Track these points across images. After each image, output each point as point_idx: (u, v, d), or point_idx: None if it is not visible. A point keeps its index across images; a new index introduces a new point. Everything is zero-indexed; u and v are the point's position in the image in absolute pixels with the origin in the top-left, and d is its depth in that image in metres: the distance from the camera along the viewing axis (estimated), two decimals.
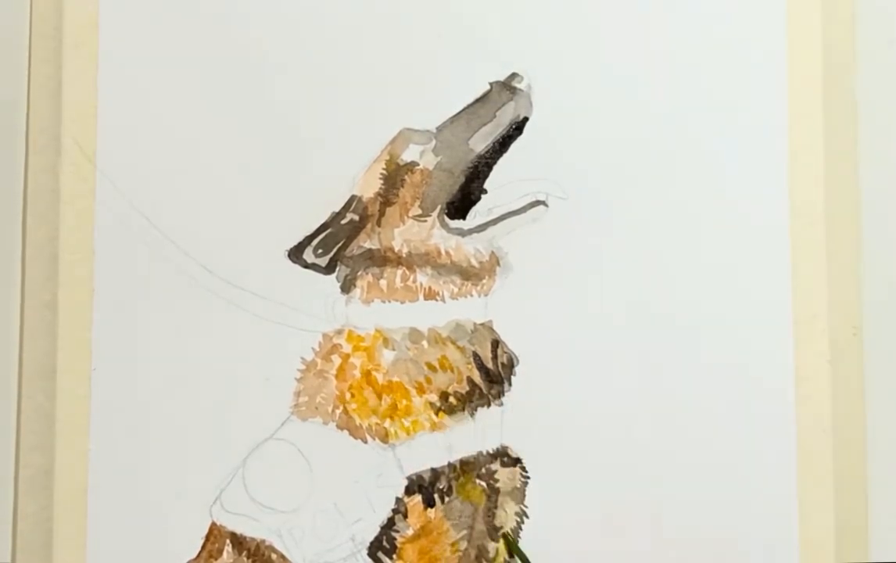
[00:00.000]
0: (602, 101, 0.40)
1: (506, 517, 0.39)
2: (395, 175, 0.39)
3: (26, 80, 0.39)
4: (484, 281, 0.39)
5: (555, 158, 0.39)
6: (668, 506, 0.38)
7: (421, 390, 0.39)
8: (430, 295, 0.39)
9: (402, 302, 0.39)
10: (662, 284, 0.39)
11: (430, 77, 0.39)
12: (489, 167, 0.39)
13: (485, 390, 0.39)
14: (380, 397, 0.39)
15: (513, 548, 0.38)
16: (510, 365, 0.39)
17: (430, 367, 0.39)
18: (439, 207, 0.39)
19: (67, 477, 0.38)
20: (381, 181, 0.39)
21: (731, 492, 0.38)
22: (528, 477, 0.39)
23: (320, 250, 0.39)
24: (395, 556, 0.39)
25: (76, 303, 0.38)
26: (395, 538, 0.39)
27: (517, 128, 0.39)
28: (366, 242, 0.39)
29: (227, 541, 0.38)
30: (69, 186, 0.39)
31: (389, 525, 0.39)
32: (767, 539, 0.38)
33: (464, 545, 0.39)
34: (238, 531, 0.38)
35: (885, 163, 0.41)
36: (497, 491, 0.39)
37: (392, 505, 0.39)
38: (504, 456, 0.39)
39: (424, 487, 0.39)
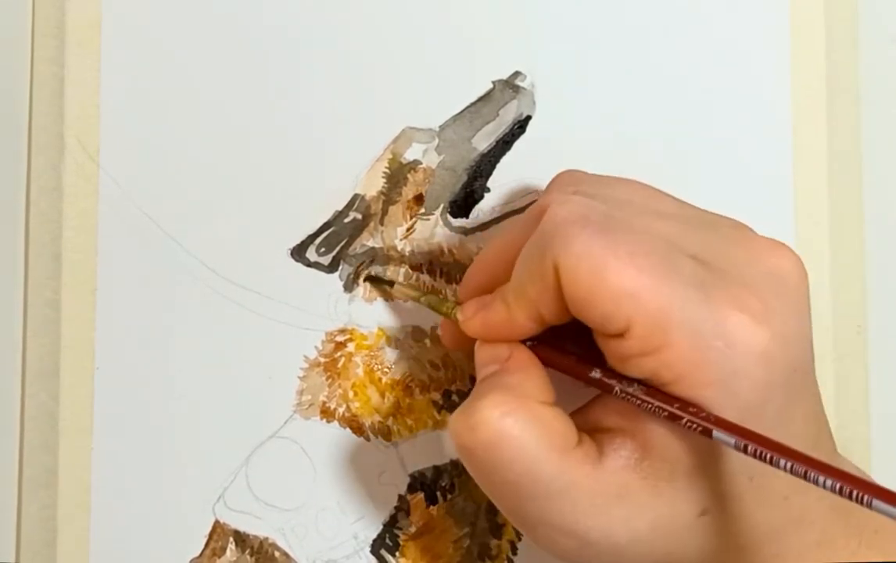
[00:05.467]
0: (605, 99, 0.40)
1: None
2: (397, 174, 0.39)
3: (29, 80, 0.39)
4: None
5: (558, 157, 0.39)
6: None
7: (424, 389, 0.39)
8: (434, 293, 0.39)
9: (405, 301, 0.39)
10: None
11: (433, 75, 0.39)
12: (492, 166, 0.39)
13: None
14: (382, 395, 0.39)
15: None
16: None
17: (433, 365, 0.39)
18: (442, 205, 0.39)
19: (71, 476, 0.38)
20: (384, 180, 0.39)
21: None
22: None
23: (323, 249, 0.39)
24: (397, 554, 0.39)
25: (79, 302, 0.38)
26: (397, 536, 0.39)
27: (520, 126, 0.39)
28: (368, 240, 0.39)
29: (231, 539, 0.38)
30: (72, 184, 0.38)
31: (392, 523, 0.39)
32: None
33: (466, 542, 0.39)
34: (241, 528, 0.38)
35: (888, 161, 0.40)
36: None
37: (395, 503, 0.39)
38: None
39: (427, 484, 0.39)
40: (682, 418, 0.27)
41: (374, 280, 0.39)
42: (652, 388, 0.28)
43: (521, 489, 0.29)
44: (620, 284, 0.27)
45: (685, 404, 0.28)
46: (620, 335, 0.28)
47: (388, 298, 0.39)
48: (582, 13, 0.40)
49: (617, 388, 0.29)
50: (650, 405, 0.28)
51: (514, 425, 0.28)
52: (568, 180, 0.33)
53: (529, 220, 0.32)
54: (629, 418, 0.29)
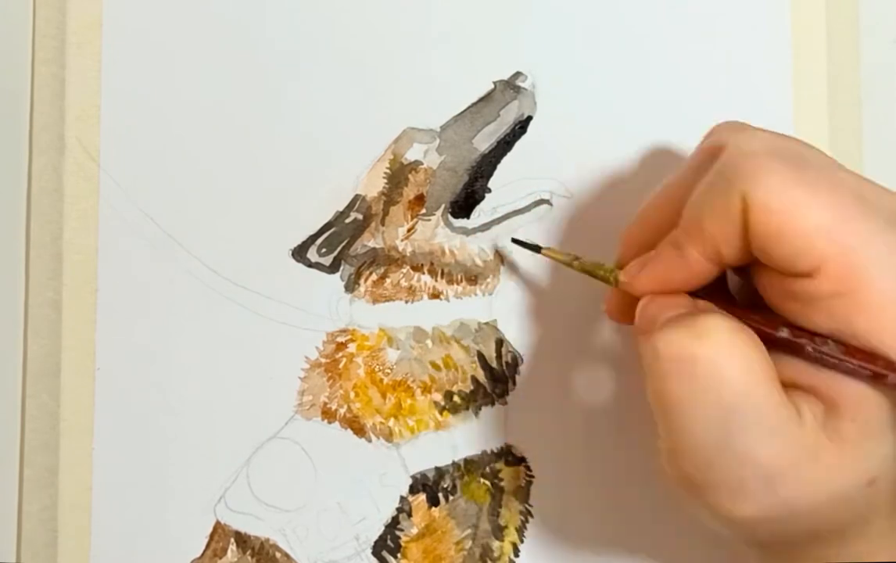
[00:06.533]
0: (606, 100, 0.40)
1: (510, 516, 0.39)
2: (398, 174, 0.39)
3: (29, 80, 0.39)
4: (488, 280, 0.39)
5: (559, 157, 0.39)
6: (674, 506, 0.38)
7: (425, 390, 0.39)
8: (435, 294, 0.39)
9: (407, 301, 0.39)
10: None
11: (434, 76, 0.39)
12: (493, 166, 0.39)
13: (489, 389, 0.39)
14: (384, 396, 0.39)
15: None
16: (514, 364, 0.39)
17: (435, 366, 0.39)
18: (443, 206, 0.39)
19: (71, 476, 0.38)
20: (385, 180, 0.39)
21: None
22: (533, 476, 0.39)
23: (324, 250, 0.39)
24: (399, 555, 0.39)
25: (80, 302, 0.38)
26: (399, 537, 0.39)
27: (521, 126, 0.39)
28: (370, 241, 0.39)
29: (232, 540, 0.38)
30: (73, 185, 0.38)
31: (394, 524, 0.39)
32: None
33: (468, 543, 0.39)
34: (242, 529, 0.38)
35: (888, 161, 0.40)
36: (501, 490, 0.39)
37: (396, 504, 0.39)
38: (508, 455, 0.39)
39: (429, 486, 0.39)
40: (886, 376, 0.25)
41: (521, 244, 0.37)
42: (849, 346, 0.26)
43: (734, 414, 0.26)
44: (816, 218, 0.26)
45: (889, 361, 0.25)
46: (809, 275, 0.26)
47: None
48: (582, 14, 0.40)
49: (809, 347, 0.27)
50: (849, 364, 0.26)
51: (746, 341, 0.27)
52: (739, 126, 0.31)
53: (699, 164, 0.30)
54: (815, 375, 0.27)
